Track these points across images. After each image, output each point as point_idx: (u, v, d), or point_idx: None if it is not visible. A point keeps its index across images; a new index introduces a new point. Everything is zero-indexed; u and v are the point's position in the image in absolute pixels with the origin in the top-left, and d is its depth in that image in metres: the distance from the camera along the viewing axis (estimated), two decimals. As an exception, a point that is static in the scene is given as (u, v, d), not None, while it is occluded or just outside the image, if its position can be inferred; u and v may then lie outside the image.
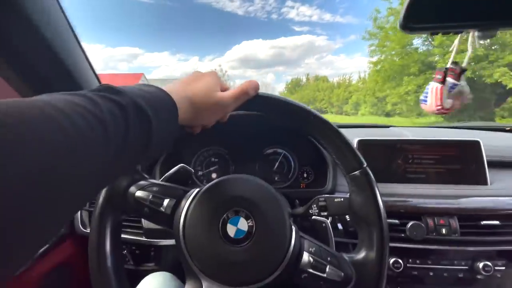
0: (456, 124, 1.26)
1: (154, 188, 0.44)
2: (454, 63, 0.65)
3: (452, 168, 0.77)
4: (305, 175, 0.80)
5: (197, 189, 0.44)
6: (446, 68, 0.66)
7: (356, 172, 0.44)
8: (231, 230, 0.40)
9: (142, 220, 0.69)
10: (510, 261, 0.68)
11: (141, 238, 0.70)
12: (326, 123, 0.46)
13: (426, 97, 0.73)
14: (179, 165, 0.51)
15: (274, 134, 0.80)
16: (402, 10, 0.52)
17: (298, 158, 0.81)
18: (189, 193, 0.44)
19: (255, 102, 0.45)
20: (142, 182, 0.45)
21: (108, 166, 0.26)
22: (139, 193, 0.44)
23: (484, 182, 0.75)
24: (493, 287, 0.69)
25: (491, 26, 0.53)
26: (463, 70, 0.64)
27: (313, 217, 0.52)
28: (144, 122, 0.29)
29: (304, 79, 68.96)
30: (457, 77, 0.64)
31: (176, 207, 0.43)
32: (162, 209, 0.43)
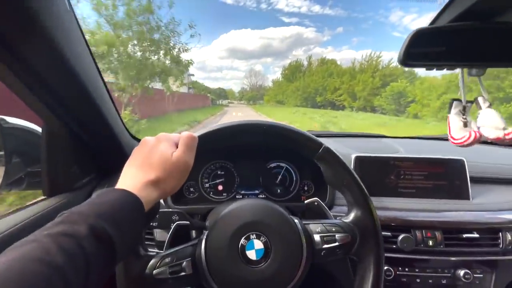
0: (443, 135, 1.34)
1: (166, 260, 0.45)
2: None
3: (439, 183, 0.84)
4: (305, 188, 0.86)
5: (205, 235, 0.47)
6: (452, 100, 0.64)
7: (320, 151, 0.53)
8: (251, 254, 0.45)
9: (154, 231, 0.72)
10: (488, 270, 0.76)
11: (154, 250, 0.73)
12: (274, 125, 0.54)
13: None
14: (174, 224, 0.54)
15: (277, 148, 0.85)
16: (401, 49, 0.57)
17: (299, 172, 0.86)
18: (199, 243, 0.47)
19: (209, 140, 0.51)
20: (153, 261, 0.45)
21: None
22: (156, 271, 0.44)
23: (467, 197, 0.82)
24: None
25: (480, 65, 0.59)
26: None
27: (305, 201, 0.61)
28: (105, 243, 0.31)
29: (306, 64, 52.06)
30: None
31: (194, 263, 0.46)
32: (183, 273, 0.45)
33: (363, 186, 0.52)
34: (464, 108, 0.64)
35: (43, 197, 0.73)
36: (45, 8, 0.43)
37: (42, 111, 0.59)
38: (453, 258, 0.75)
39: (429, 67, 0.61)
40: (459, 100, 0.65)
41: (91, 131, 0.69)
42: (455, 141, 0.65)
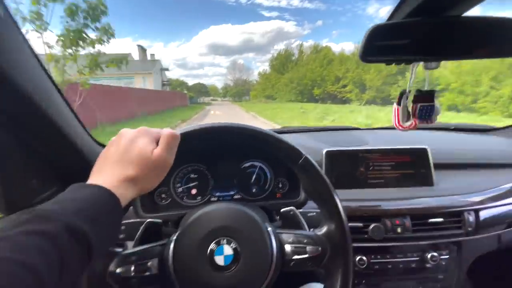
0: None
1: (133, 258, 0.44)
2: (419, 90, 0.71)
3: (405, 172, 0.88)
4: (280, 185, 0.86)
5: (175, 236, 0.46)
6: (404, 91, 0.72)
7: (300, 161, 0.53)
8: (220, 260, 0.44)
9: (125, 244, 0.70)
10: (453, 251, 0.81)
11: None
12: (257, 130, 0.53)
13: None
14: (146, 222, 0.53)
15: (250, 148, 0.85)
16: (360, 45, 0.59)
17: (273, 170, 0.86)
18: (168, 244, 0.46)
19: (191, 140, 0.49)
20: (118, 258, 0.44)
21: None
22: (120, 270, 0.43)
23: (431, 184, 0.87)
24: (439, 273, 0.82)
25: (435, 58, 0.62)
26: (433, 92, 0.70)
27: (281, 210, 0.61)
28: (80, 241, 0.29)
29: (297, 53, 46.55)
30: (430, 99, 0.69)
31: (161, 263, 0.45)
32: (148, 272, 0.44)
33: (339, 201, 0.52)
34: (406, 99, 0.71)
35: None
36: None
37: None
38: (421, 242, 0.79)
39: (388, 62, 0.63)
40: (406, 92, 0.71)
41: (46, 141, 0.64)
42: (403, 128, 0.71)
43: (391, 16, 0.62)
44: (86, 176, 0.41)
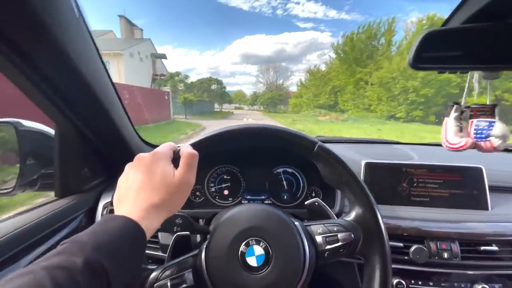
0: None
1: (167, 272, 0.45)
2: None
3: (455, 192, 0.80)
4: (313, 194, 0.84)
5: (204, 246, 0.47)
6: (457, 103, 0.64)
7: (315, 149, 0.51)
8: (252, 261, 0.44)
9: (159, 234, 0.73)
10: (508, 284, 0.71)
11: (158, 253, 0.73)
12: (266, 128, 0.53)
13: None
14: (175, 235, 0.53)
15: (284, 154, 0.84)
16: (411, 51, 0.56)
17: (307, 178, 0.84)
18: (199, 254, 0.47)
19: (206, 146, 0.50)
20: (153, 274, 0.45)
21: None
22: (157, 284, 0.44)
23: (485, 208, 0.78)
24: None
25: (496, 68, 0.57)
26: (494, 105, 0.60)
27: (306, 202, 0.59)
28: (99, 276, 0.30)
29: (381, 34, 23.21)
30: (489, 113, 0.61)
31: (196, 275, 0.45)
32: (185, 285, 0.44)
33: (363, 183, 0.50)
34: (462, 113, 0.62)
35: (55, 198, 0.75)
36: (53, 15, 0.44)
37: (54, 115, 0.61)
38: (470, 272, 0.70)
39: (441, 70, 0.58)
40: (459, 104, 0.63)
41: (102, 135, 0.70)
42: (450, 146, 0.62)
43: (447, 22, 0.58)
44: None
